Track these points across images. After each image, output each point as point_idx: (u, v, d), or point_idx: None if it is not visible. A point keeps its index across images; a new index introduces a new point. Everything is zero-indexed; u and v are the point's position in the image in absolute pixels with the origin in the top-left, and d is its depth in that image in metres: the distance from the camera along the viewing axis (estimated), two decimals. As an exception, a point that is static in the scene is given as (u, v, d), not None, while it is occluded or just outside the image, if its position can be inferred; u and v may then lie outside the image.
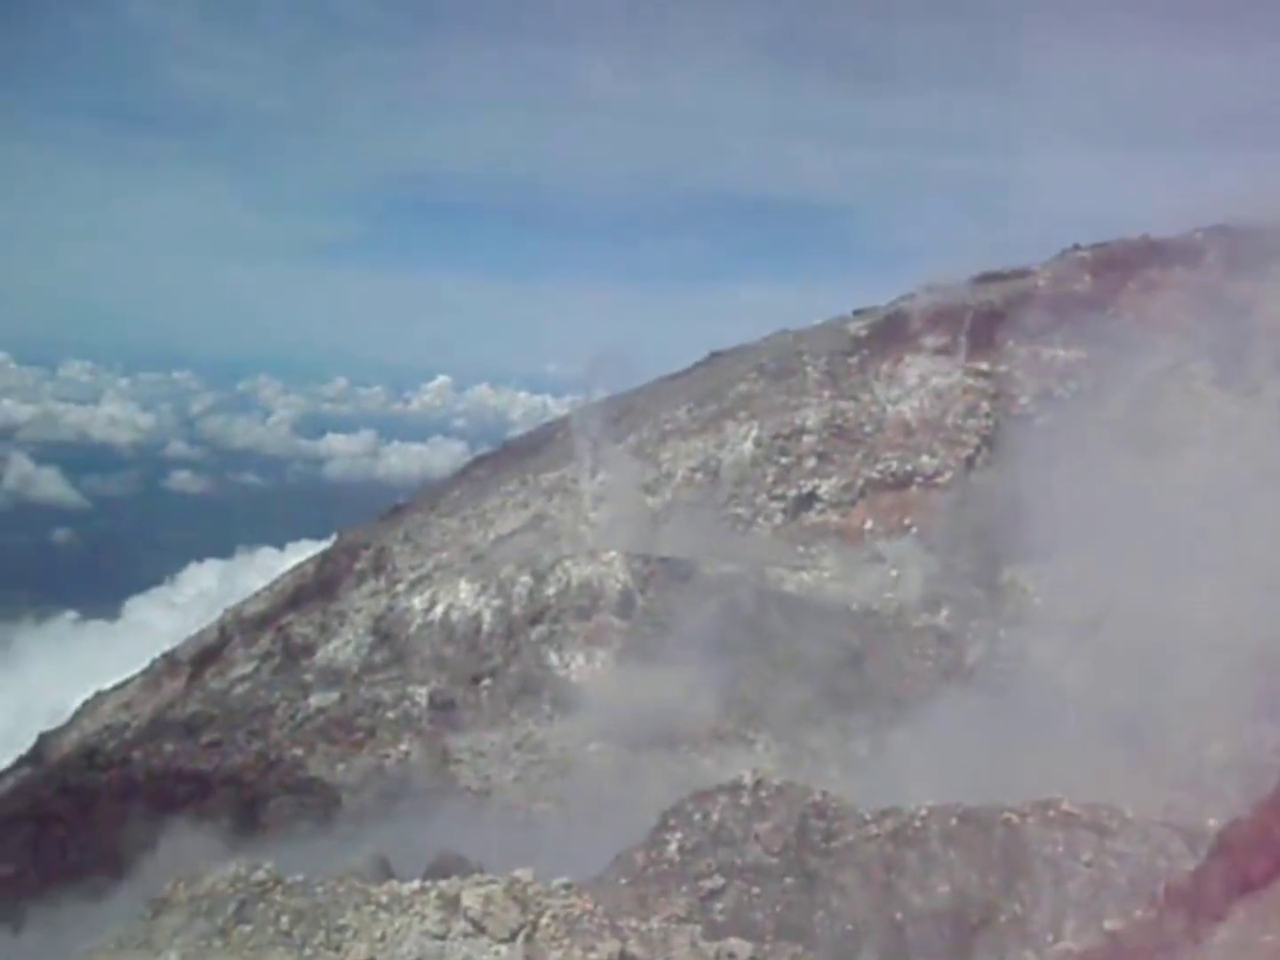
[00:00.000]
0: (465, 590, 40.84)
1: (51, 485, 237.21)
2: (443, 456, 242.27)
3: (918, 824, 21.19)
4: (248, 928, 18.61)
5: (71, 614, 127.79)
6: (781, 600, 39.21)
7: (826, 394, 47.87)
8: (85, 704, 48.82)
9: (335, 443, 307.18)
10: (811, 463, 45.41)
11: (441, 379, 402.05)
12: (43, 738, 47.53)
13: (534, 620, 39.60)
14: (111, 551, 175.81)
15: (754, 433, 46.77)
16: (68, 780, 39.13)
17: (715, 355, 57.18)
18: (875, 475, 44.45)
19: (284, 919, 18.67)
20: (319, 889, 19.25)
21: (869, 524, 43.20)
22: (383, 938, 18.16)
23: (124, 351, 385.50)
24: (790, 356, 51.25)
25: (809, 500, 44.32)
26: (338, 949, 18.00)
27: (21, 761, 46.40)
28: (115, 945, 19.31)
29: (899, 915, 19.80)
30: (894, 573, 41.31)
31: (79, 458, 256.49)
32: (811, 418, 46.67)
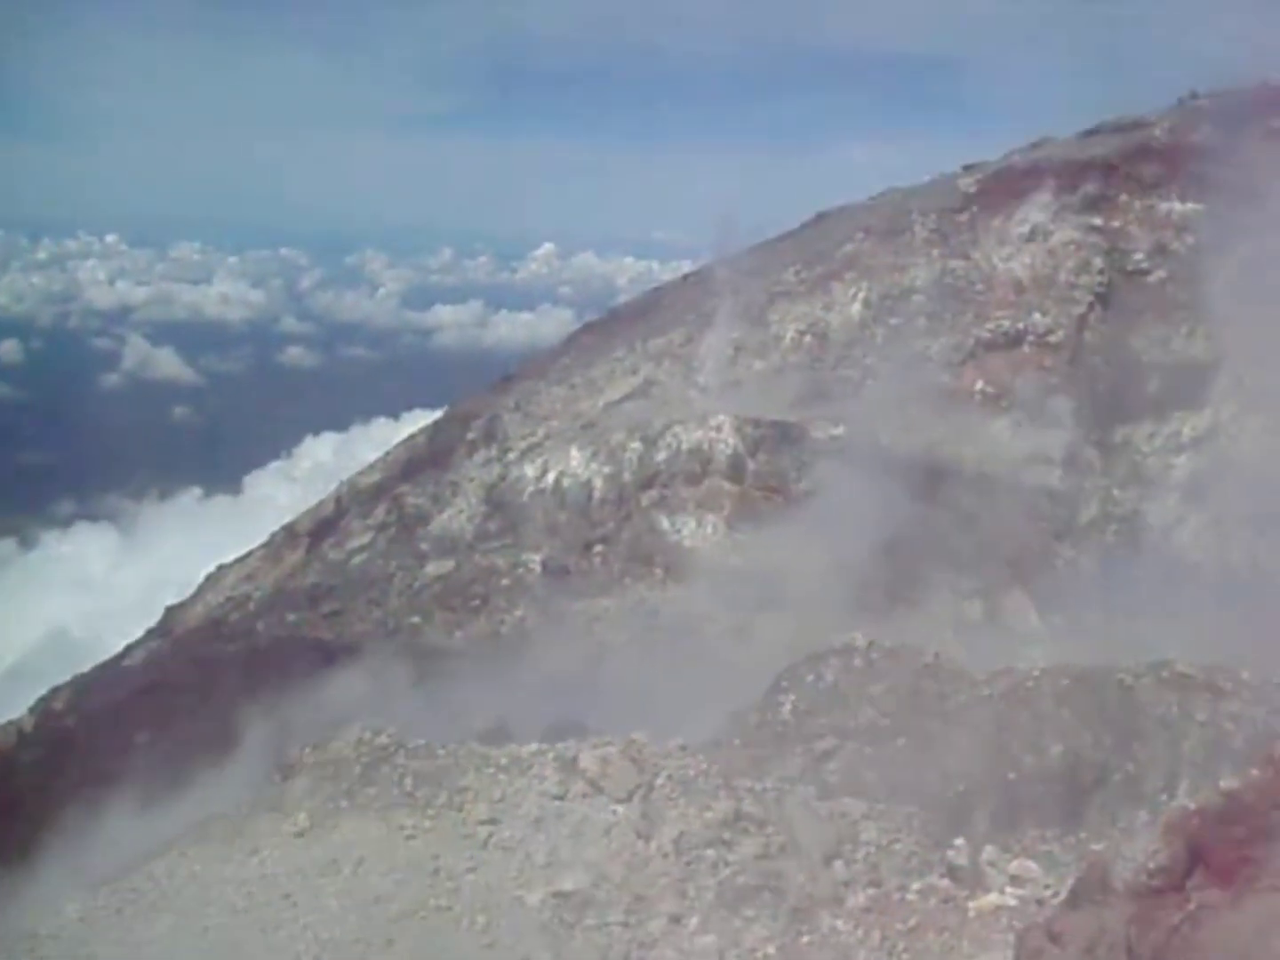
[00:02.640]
0: (576, 457, 41.06)
1: (168, 365, 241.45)
2: (550, 324, 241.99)
3: (1030, 684, 21.20)
4: (373, 790, 19.21)
5: (195, 490, 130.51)
6: (892, 462, 38.93)
7: (935, 252, 46.98)
8: (209, 577, 49.95)
9: (443, 314, 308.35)
10: (921, 323, 44.70)
11: (547, 247, 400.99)
12: (169, 611, 48.76)
13: (645, 486, 39.76)
14: (230, 428, 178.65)
15: (862, 294, 46.14)
16: (195, 651, 40.31)
17: (821, 216, 56.20)
18: (986, 335, 43.64)
19: (407, 781, 19.23)
20: (440, 752, 19.79)
21: (980, 384, 42.54)
22: (502, 799, 18.66)
23: (232, 230, 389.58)
24: (898, 215, 50.27)
25: (919, 361, 43.74)
26: (459, 809, 18.53)
27: (150, 634, 47.71)
28: (248, 809, 20.04)
29: (1012, 775, 19.89)
30: (1006, 433, 40.82)
31: (193, 336, 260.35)
32: (920, 277, 45.89)
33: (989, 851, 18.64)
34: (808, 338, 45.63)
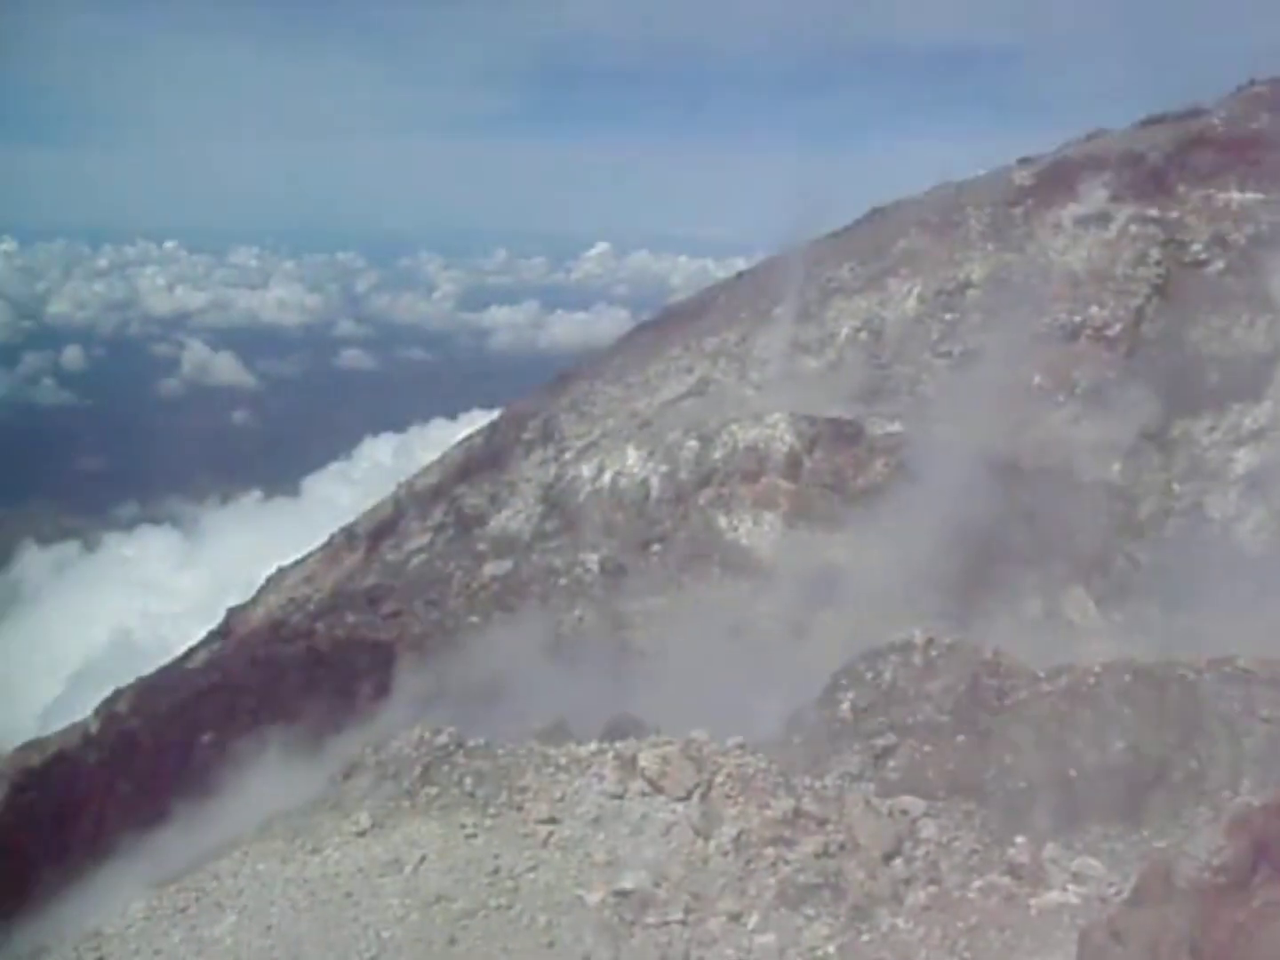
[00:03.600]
0: (633, 456, 41.11)
1: (227, 369, 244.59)
2: (605, 324, 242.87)
3: (1091, 681, 21.00)
4: (433, 789, 19.27)
5: (255, 493, 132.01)
6: (949, 457, 38.70)
7: (991, 247, 46.69)
8: (269, 579, 50.41)
9: (499, 315, 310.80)
10: (976, 318, 44.41)
11: (601, 246, 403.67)
12: (230, 612, 49.27)
13: (701, 484, 39.74)
14: (289, 431, 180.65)
15: (917, 289, 45.94)
16: (256, 652, 40.67)
17: (876, 211, 55.97)
18: (1042, 329, 43.26)
19: (467, 780, 19.27)
20: (500, 751, 19.82)
21: (1037, 379, 42.15)
22: (562, 798, 18.67)
23: (289, 235, 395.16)
24: (953, 209, 50.01)
25: (975, 356, 43.43)
26: (519, 809, 18.55)
27: (212, 636, 48.23)
28: (310, 808, 20.16)
29: (1072, 772, 19.72)
30: (1064, 427, 40.45)
31: (252, 341, 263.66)
32: (976, 271, 45.62)
33: (1050, 849, 18.50)
34: (863, 334, 45.50)
